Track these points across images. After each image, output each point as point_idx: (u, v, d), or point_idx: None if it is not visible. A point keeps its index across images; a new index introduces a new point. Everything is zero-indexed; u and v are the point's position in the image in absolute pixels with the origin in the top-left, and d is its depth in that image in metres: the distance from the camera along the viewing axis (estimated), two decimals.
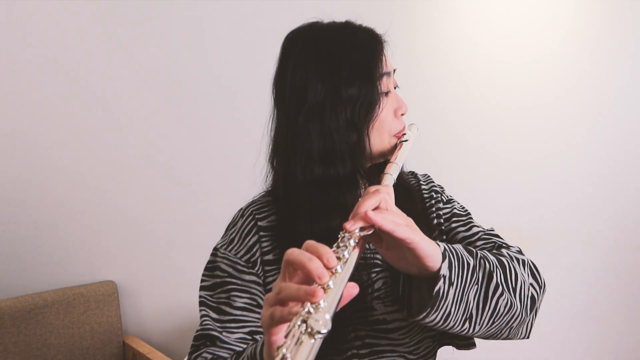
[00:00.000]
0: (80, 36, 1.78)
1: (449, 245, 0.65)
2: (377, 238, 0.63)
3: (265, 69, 2.09)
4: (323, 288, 0.48)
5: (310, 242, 0.53)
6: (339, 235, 0.58)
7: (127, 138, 1.87)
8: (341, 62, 0.73)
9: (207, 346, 0.72)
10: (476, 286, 0.64)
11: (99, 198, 1.85)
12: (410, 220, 0.61)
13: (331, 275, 0.50)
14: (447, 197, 0.88)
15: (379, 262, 0.78)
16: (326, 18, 0.80)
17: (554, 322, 2.51)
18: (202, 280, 0.79)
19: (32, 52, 1.72)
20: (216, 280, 0.76)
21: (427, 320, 0.62)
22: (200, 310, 0.76)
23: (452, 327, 0.64)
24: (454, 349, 0.82)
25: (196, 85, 1.94)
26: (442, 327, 0.63)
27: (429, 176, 0.91)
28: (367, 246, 0.76)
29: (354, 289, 0.51)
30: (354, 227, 0.57)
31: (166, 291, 1.97)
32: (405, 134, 0.80)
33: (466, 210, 0.87)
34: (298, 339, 0.43)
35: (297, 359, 0.41)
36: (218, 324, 0.73)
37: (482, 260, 0.66)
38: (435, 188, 0.87)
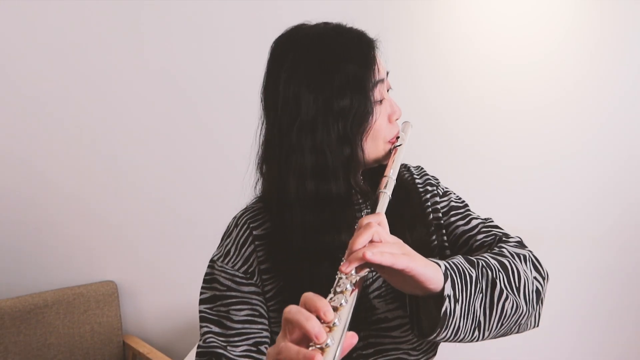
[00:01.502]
0: (80, 36, 1.78)
1: (450, 261, 0.65)
2: (377, 266, 0.64)
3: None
4: (322, 348, 0.49)
5: (308, 296, 0.54)
6: (336, 276, 0.58)
7: (128, 138, 1.87)
8: (332, 72, 0.70)
9: None
10: (481, 294, 0.66)
11: (99, 198, 1.85)
12: (406, 247, 0.62)
13: (329, 331, 0.51)
14: (443, 189, 0.87)
15: None
16: (323, 18, 0.78)
17: (562, 324, 2.51)
18: (201, 293, 0.78)
19: (31, 52, 1.73)
20: (215, 293, 0.76)
21: (439, 338, 0.64)
22: (202, 327, 0.75)
23: (462, 338, 0.65)
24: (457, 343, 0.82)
25: (197, 86, 1.94)
26: (454, 340, 0.65)
27: (422, 168, 0.90)
28: None
29: (353, 339, 0.52)
30: (349, 268, 0.58)
31: (166, 291, 1.97)
32: (398, 137, 0.79)
33: (463, 201, 0.86)
34: None
35: None
36: (222, 339, 0.72)
37: (484, 269, 0.67)
38: (429, 181, 0.86)
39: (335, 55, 0.72)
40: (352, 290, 0.56)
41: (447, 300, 0.62)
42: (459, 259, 0.67)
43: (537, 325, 0.75)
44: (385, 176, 0.73)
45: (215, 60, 1.96)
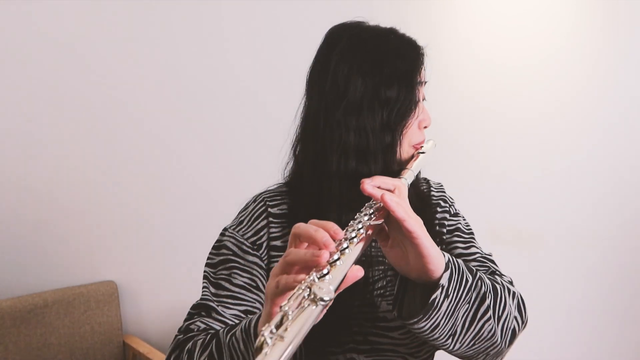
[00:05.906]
0: (85, 32, 1.78)
1: (453, 257, 0.65)
2: (384, 236, 0.64)
3: (269, 69, 2.08)
4: (329, 263, 0.49)
5: (315, 220, 0.54)
6: (350, 224, 0.59)
7: (128, 137, 1.87)
8: (383, 63, 0.74)
9: (201, 316, 0.73)
10: (467, 305, 0.65)
11: (99, 198, 1.85)
12: (420, 220, 0.61)
13: (337, 252, 0.51)
14: (455, 210, 0.88)
15: (384, 259, 0.78)
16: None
17: (559, 322, 2.51)
18: (208, 258, 0.81)
19: (34, 49, 1.72)
20: (221, 258, 0.78)
21: (417, 326, 0.63)
22: (203, 283, 0.78)
23: (436, 338, 0.64)
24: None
25: (199, 86, 1.94)
26: (428, 336, 0.64)
27: (441, 185, 0.92)
28: (372, 243, 0.76)
29: (359, 272, 0.52)
30: (370, 184, 0.60)
31: (166, 291, 1.97)
32: (422, 146, 0.81)
33: (470, 229, 0.87)
34: (300, 303, 0.44)
35: (298, 320, 0.43)
36: (215, 298, 0.75)
37: (479, 282, 0.67)
38: (444, 197, 0.88)
39: (387, 48, 0.75)
40: (364, 234, 0.56)
41: (440, 289, 0.61)
42: (461, 262, 0.67)
43: None
44: (407, 168, 0.76)
45: (217, 62, 1.96)
